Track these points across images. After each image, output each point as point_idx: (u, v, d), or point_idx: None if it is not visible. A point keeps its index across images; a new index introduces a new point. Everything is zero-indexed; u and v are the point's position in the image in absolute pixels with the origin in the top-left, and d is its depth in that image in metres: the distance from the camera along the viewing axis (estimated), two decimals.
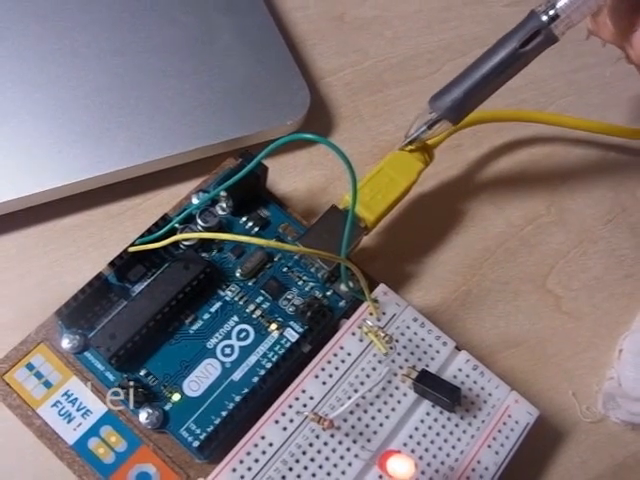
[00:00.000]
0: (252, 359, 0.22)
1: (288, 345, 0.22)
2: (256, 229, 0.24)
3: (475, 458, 0.21)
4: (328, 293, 0.23)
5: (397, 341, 0.22)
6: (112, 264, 0.21)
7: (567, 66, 0.33)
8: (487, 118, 0.28)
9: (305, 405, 0.20)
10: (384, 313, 0.22)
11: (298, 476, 0.19)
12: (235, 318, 0.22)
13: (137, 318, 0.20)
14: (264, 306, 0.23)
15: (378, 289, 0.23)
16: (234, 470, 0.19)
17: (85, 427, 0.20)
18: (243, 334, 0.22)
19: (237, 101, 0.26)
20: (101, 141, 0.24)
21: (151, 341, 0.21)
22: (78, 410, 0.20)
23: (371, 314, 0.22)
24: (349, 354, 0.21)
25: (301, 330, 0.22)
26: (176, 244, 0.22)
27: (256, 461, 0.19)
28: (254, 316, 0.22)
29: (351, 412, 0.20)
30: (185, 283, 0.21)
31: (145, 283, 0.22)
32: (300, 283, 0.23)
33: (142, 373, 0.21)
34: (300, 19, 0.31)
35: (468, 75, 0.22)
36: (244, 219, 0.24)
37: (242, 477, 0.19)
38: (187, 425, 0.20)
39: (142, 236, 0.22)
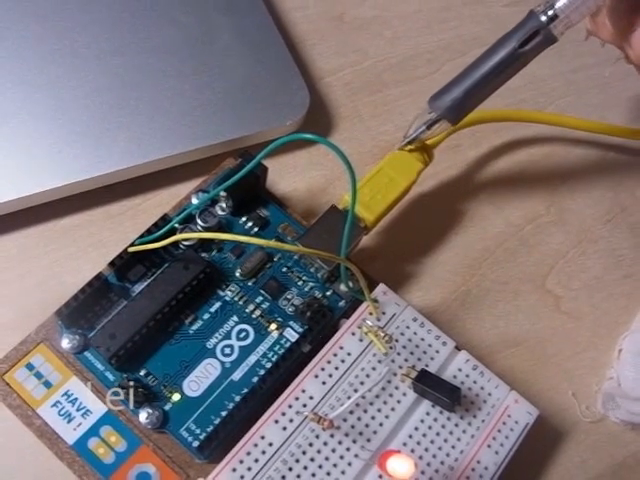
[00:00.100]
0: (252, 359, 0.22)
1: (288, 345, 0.22)
2: (256, 229, 0.24)
3: (475, 458, 0.21)
4: (328, 293, 0.23)
5: (397, 341, 0.22)
6: (112, 264, 0.21)
7: (566, 66, 0.33)
8: (486, 118, 0.28)
9: (305, 405, 0.20)
10: (384, 313, 0.22)
11: (298, 476, 0.19)
12: (235, 318, 0.22)
13: (137, 318, 0.20)
14: (264, 306, 0.23)
15: (378, 289, 0.23)
16: (234, 470, 0.19)
17: (85, 427, 0.20)
18: (243, 334, 0.22)
19: (237, 101, 0.26)
20: (101, 141, 0.24)
21: (151, 341, 0.21)
22: (78, 410, 0.20)
23: (371, 314, 0.22)
24: (349, 354, 0.21)
25: (301, 330, 0.22)
26: (176, 244, 0.22)
27: (256, 461, 0.19)
28: (254, 316, 0.22)
29: (351, 412, 0.20)
30: (185, 283, 0.21)
31: (145, 283, 0.22)
32: (300, 283, 0.23)
33: (142, 373, 0.21)
34: (299, 19, 0.31)
35: (467, 75, 0.22)
36: (244, 219, 0.24)
37: (242, 477, 0.19)
38: (187, 425, 0.20)
39: (142, 236, 0.22)
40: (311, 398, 0.20)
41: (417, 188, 0.27)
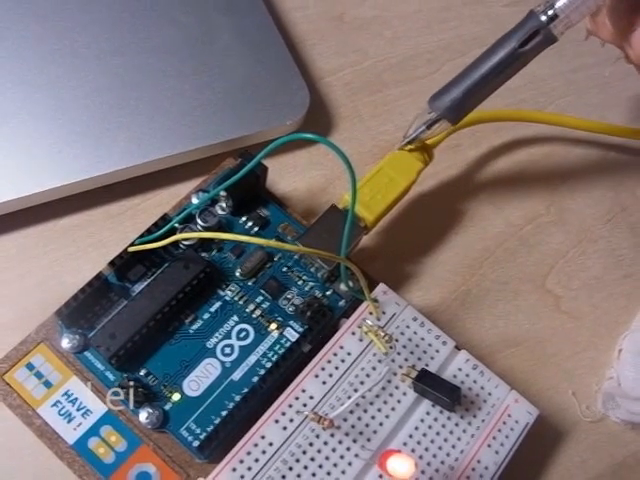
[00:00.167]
0: (252, 359, 0.22)
1: (288, 345, 0.22)
2: (256, 229, 0.24)
3: (475, 457, 0.21)
4: (328, 293, 0.23)
5: (397, 340, 0.22)
6: (112, 264, 0.21)
7: (566, 66, 0.33)
8: (486, 118, 0.28)
9: (305, 405, 0.20)
10: (384, 312, 0.22)
11: (298, 475, 0.19)
12: (235, 318, 0.22)
13: (137, 318, 0.20)
14: (264, 306, 0.23)
15: (378, 289, 0.23)
16: (234, 470, 0.19)
17: (85, 427, 0.20)
18: (243, 334, 0.22)
19: (237, 101, 0.26)
20: (101, 141, 0.24)
21: (151, 341, 0.21)
22: (78, 410, 0.20)
23: (371, 313, 0.22)
24: (349, 353, 0.21)
25: (301, 330, 0.22)
26: (176, 244, 0.22)
27: (256, 461, 0.19)
28: (254, 316, 0.22)
29: (351, 411, 0.20)
30: (185, 283, 0.21)
31: (145, 283, 0.22)
32: (300, 283, 0.23)
33: (142, 373, 0.21)
34: (299, 19, 0.31)
35: (467, 75, 0.22)
36: (244, 219, 0.24)
37: (242, 477, 0.19)
38: (187, 425, 0.20)
39: (142, 236, 0.22)
40: (311, 398, 0.20)
41: (417, 188, 0.27)
